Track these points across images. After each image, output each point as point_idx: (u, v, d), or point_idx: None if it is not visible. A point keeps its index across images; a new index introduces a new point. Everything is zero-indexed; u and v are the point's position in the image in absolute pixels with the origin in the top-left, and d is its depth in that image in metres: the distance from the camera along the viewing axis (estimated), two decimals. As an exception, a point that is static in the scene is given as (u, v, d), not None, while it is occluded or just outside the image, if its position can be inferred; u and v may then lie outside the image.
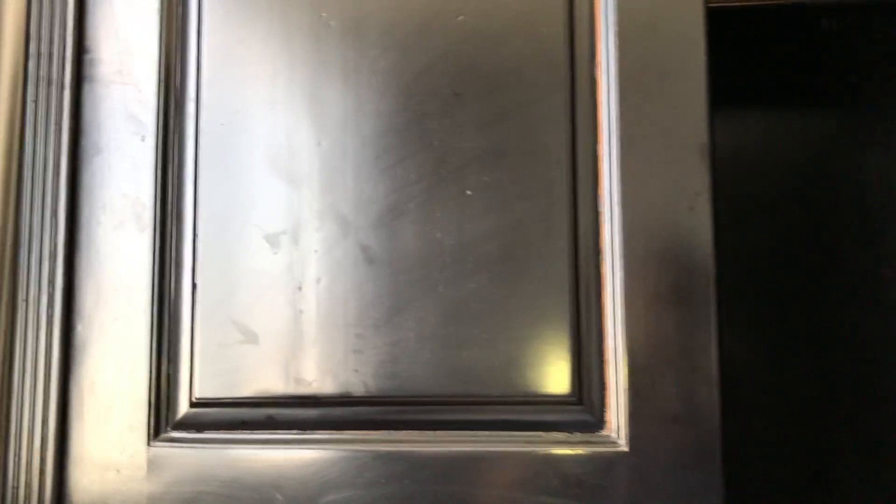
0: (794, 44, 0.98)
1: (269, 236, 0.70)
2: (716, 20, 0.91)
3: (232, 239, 0.70)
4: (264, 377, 0.68)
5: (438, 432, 0.66)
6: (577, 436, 0.65)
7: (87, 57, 0.73)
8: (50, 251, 0.70)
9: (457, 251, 0.68)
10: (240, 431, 0.68)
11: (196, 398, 0.69)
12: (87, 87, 0.72)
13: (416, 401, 0.67)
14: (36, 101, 0.72)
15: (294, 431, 0.67)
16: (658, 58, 0.67)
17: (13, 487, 0.68)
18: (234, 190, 0.71)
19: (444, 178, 0.69)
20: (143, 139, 0.71)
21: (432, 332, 0.67)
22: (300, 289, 0.69)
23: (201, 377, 0.69)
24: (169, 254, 0.71)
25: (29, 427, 0.69)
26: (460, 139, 0.69)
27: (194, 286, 0.70)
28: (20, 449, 0.68)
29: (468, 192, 0.68)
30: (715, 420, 0.63)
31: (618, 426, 0.65)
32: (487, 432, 0.66)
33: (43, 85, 0.72)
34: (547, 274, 0.67)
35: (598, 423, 0.65)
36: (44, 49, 0.72)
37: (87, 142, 0.72)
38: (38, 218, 0.70)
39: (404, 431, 0.66)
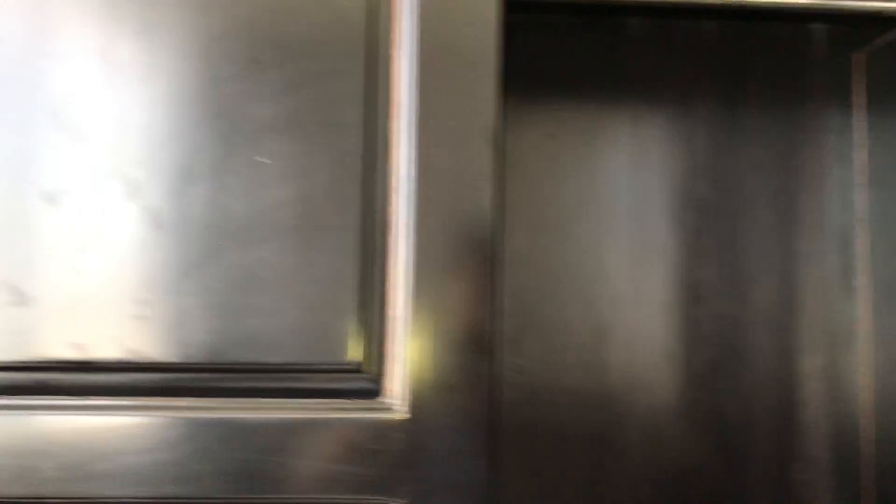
0: (605, 42, 1.04)
1: (50, 195, 0.67)
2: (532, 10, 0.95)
3: (7, 197, 0.67)
4: (38, 341, 0.66)
5: (220, 399, 0.66)
6: (360, 403, 0.67)
7: None
8: None
9: (248, 219, 0.68)
10: (7, 397, 0.65)
11: (-41, 362, 0.66)
12: None
13: (198, 368, 0.67)
14: None
15: (67, 397, 0.65)
16: (453, 42, 0.69)
17: None
18: (13, 145, 0.67)
19: (239, 144, 0.68)
20: None
21: (220, 299, 0.67)
22: (81, 251, 0.66)
23: (-34, 340, 0.66)
24: (-64, 209, 0.66)
25: None
26: (257, 106, 0.68)
27: (-37, 244, 0.66)
28: None
29: (262, 160, 0.68)
30: (487, 388, 0.67)
31: (399, 394, 0.67)
32: (270, 399, 0.67)
33: None
34: (337, 245, 0.68)
35: (379, 391, 0.68)
36: None
37: None
38: None
39: (184, 398, 0.66)
